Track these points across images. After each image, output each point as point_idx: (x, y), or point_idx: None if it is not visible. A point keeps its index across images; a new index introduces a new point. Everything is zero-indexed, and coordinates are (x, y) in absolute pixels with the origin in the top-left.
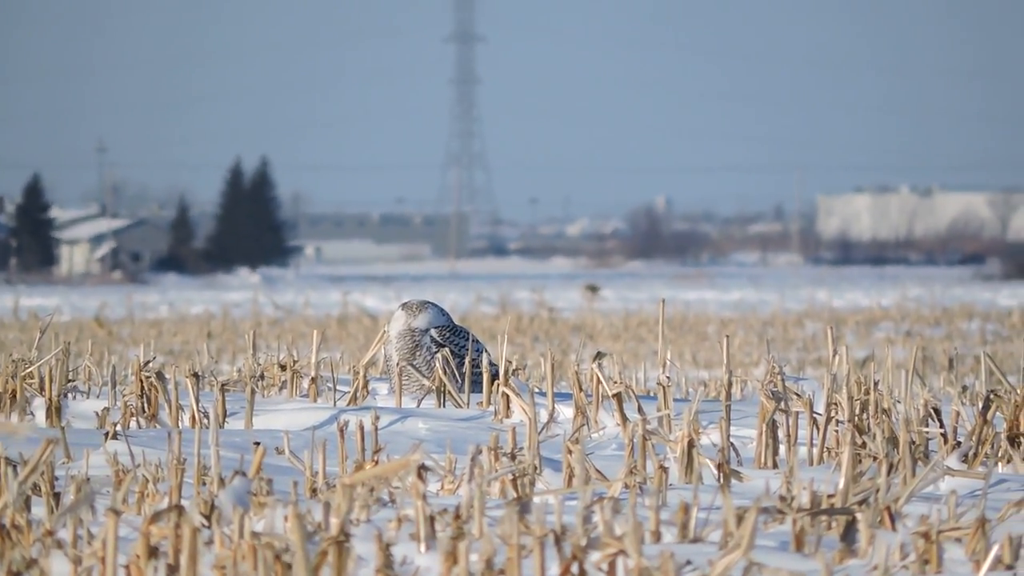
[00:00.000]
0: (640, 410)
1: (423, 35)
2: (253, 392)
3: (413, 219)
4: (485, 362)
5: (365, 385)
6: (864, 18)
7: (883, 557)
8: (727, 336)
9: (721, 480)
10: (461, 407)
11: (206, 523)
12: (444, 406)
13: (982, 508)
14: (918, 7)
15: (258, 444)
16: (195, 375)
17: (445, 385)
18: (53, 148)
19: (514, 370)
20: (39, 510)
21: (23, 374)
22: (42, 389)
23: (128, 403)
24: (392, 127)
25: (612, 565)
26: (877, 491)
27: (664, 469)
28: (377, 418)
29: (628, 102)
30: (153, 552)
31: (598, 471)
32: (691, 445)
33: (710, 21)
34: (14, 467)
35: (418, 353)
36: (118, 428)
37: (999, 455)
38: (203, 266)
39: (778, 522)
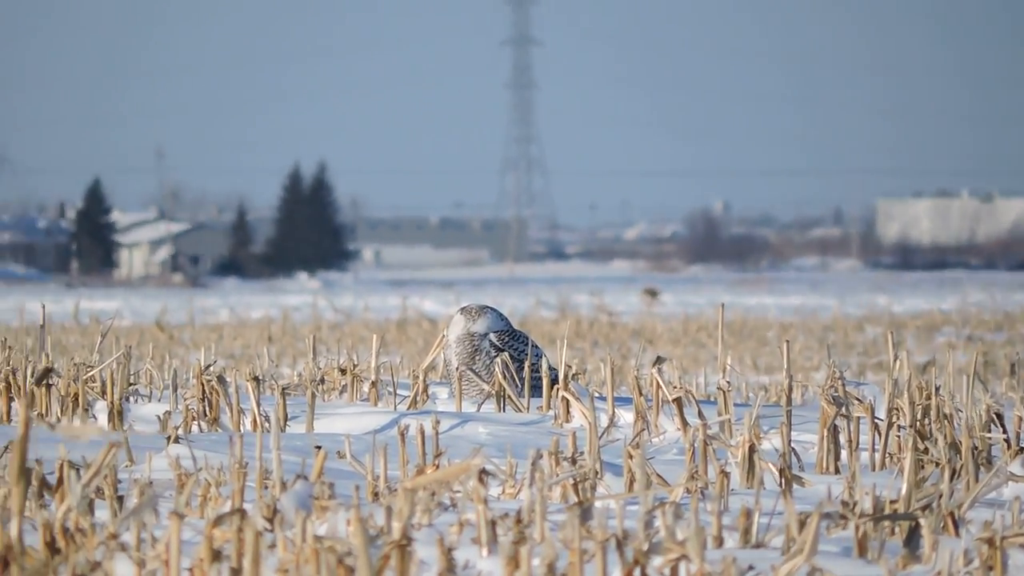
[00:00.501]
0: (701, 415)
1: (480, 39)
2: (314, 396)
3: (472, 223)
4: (544, 366)
5: (425, 389)
6: (928, 22)
7: (947, 563)
8: (787, 341)
9: (783, 485)
10: (521, 411)
11: (269, 527)
12: (504, 410)
13: None
14: (982, 11)
15: (319, 448)
16: (256, 379)
17: (505, 389)
18: (113, 153)
19: (574, 374)
20: (103, 513)
21: (85, 378)
22: (104, 393)
23: (189, 407)
24: (450, 131)
25: (674, 570)
26: (940, 497)
27: (725, 474)
28: (437, 422)
29: (686, 106)
30: (216, 555)
31: (659, 476)
32: (752, 450)
33: (770, 25)
34: (77, 471)
35: (478, 357)
36: (180, 432)
37: None
38: (262, 270)
39: (841, 527)
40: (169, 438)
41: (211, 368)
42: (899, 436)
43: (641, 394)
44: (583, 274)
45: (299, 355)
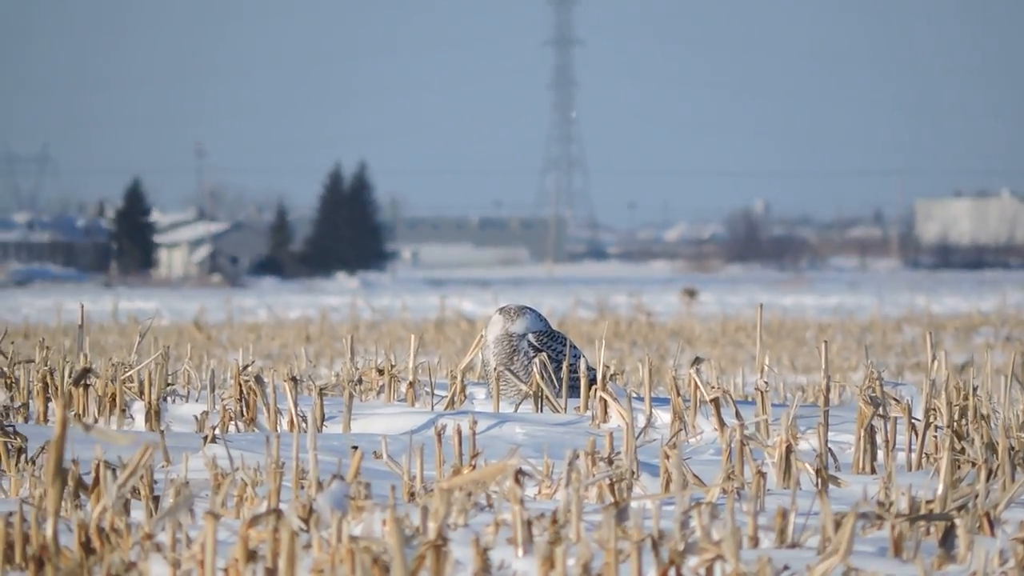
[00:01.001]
0: (738, 415)
1: (522, 39)
2: (351, 396)
3: (511, 223)
4: (582, 367)
5: (463, 389)
6: (966, 22)
7: (982, 563)
8: (825, 341)
9: (819, 485)
10: (558, 412)
11: (304, 527)
12: (541, 411)
13: None
14: (1021, 8)
15: (356, 448)
16: (293, 379)
17: (542, 390)
18: (153, 153)
19: (612, 375)
20: (138, 513)
21: (123, 378)
22: (142, 393)
23: (227, 407)
24: (490, 130)
25: (710, 570)
26: (976, 497)
27: (762, 474)
28: (475, 423)
29: (726, 106)
30: (252, 556)
31: (695, 476)
32: (789, 450)
33: (810, 25)
34: (113, 471)
35: (516, 358)
36: (217, 432)
37: None
38: (301, 270)
39: (876, 528)
40: (206, 438)
41: (249, 368)
42: (936, 436)
43: (679, 394)
44: (622, 274)
45: (337, 355)
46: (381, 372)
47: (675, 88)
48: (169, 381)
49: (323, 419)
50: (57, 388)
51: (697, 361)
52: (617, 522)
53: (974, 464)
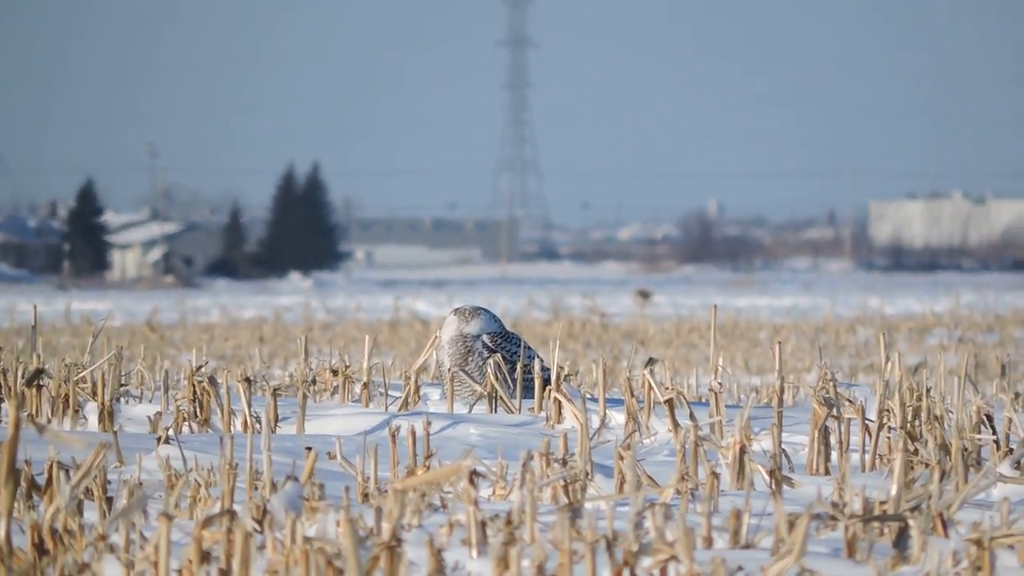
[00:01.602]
0: (692, 416)
1: (475, 40)
2: (305, 397)
3: (465, 224)
4: (537, 368)
5: (417, 390)
6: (917, 23)
7: (935, 564)
8: (779, 342)
9: (773, 486)
10: (513, 413)
11: (258, 528)
12: (496, 412)
13: None
14: (971, 12)
15: (310, 449)
16: (247, 380)
17: (497, 391)
18: (106, 153)
19: (566, 376)
20: (92, 514)
21: (76, 378)
22: (95, 394)
23: (180, 408)
24: (444, 132)
25: (664, 571)
26: (929, 498)
27: (716, 475)
28: (429, 423)
29: (680, 107)
30: (205, 557)
31: (649, 477)
32: (743, 451)
33: (762, 26)
34: (67, 471)
35: (470, 359)
36: (170, 433)
37: None
38: (255, 271)
39: (830, 528)
40: (159, 439)
41: (202, 369)
42: (889, 437)
43: (633, 395)
44: (576, 275)
45: (291, 356)
46: (335, 373)
47: (629, 89)
48: (122, 382)
49: (277, 420)
50: (10, 389)
51: (651, 362)
52: (571, 523)
53: (927, 465)
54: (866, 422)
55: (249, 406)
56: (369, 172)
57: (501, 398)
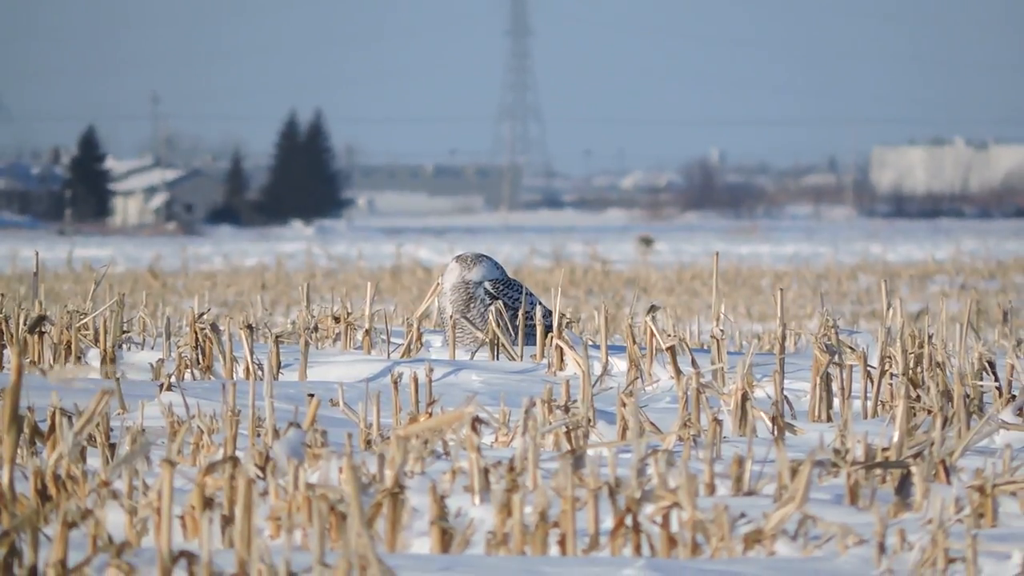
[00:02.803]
0: (694, 363)
1: None
2: (307, 344)
3: (466, 171)
4: (539, 315)
5: (419, 337)
6: None
7: (938, 511)
8: (781, 289)
9: (775, 433)
10: (515, 360)
11: (261, 474)
12: (498, 359)
13: None
14: None
15: (312, 396)
16: (249, 327)
17: (499, 338)
18: (108, 100)
19: (568, 323)
20: (94, 461)
21: (78, 325)
22: (97, 340)
23: (183, 355)
24: (446, 79)
25: (666, 517)
26: (932, 445)
27: (718, 422)
28: (431, 370)
29: (682, 54)
30: (208, 503)
31: (652, 424)
32: (745, 398)
33: None
34: (69, 418)
35: (472, 306)
36: (172, 379)
37: None
38: (257, 218)
39: (832, 475)
40: (162, 386)
41: (204, 316)
42: (891, 384)
43: (635, 342)
44: (578, 223)
45: (293, 303)
46: (337, 320)
47: (631, 36)
48: (124, 329)
49: (279, 367)
50: (12, 336)
51: (653, 309)
52: (574, 470)
53: (929, 412)
54: (868, 369)
55: (251, 353)
56: (371, 119)
57: (503, 345)
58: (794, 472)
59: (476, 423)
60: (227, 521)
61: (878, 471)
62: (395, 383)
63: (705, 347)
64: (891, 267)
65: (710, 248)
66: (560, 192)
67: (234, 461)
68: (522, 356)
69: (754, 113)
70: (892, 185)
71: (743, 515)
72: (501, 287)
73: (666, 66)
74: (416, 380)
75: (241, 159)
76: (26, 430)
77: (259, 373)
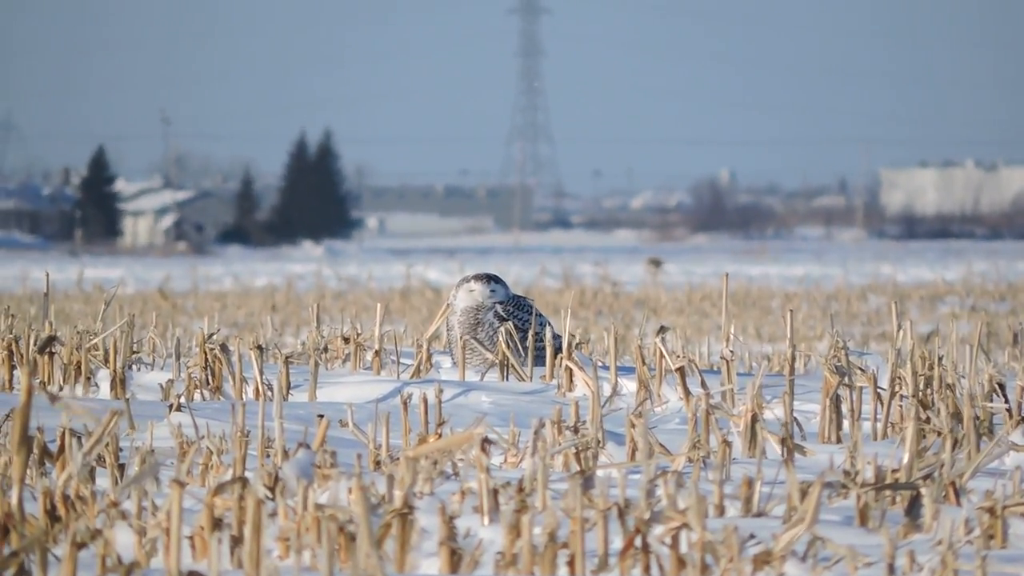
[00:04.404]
0: (703, 384)
1: (488, 7)
2: (317, 365)
3: (477, 191)
4: (548, 336)
5: (428, 358)
6: None
7: (948, 532)
8: (791, 310)
9: (785, 455)
10: (524, 381)
11: (270, 495)
12: (507, 379)
13: None
14: None
15: (322, 417)
16: (259, 347)
17: (508, 359)
18: (119, 121)
19: (577, 344)
20: (104, 481)
21: (88, 346)
22: (107, 361)
23: (192, 375)
24: (456, 99)
25: (675, 539)
26: (942, 466)
27: (727, 443)
28: (441, 391)
29: (692, 74)
30: (217, 523)
31: (661, 445)
32: (754, 419)
33: None
34: (79, 438)
35: (481, 327)
36: (182, 400)
37: None
38: (267, 238)
39: (842, 497)
40: (171, 406)
41: (214, 336)
42: (901, 406)
43: (644, 363)
44: (588, 243)
45: (303, 324)
46: (347, 340)
47: (641, 56)
48: (134, 349)
49: (289, 387)
50: (22, 356)
51: (663, 330)
52: (583, 491)
53: (939, 433)
54: (878, 390)
55: (261, 373)
56: (381, 139)
57: (513, 366)
58: (804, 493)
59: (485, 444)
60: (236, 542)
61: (888, 493)
62: (404, 404)
63: (715, 368)
64: (901, 288)
65: (720, 269)
66: (570, 213)
67: (243, 482)
68: (532, 377)
69: (764, 134)
70: (902, 207)
71: (752, 536)
72: (511, 308)
73: (675, 87)
74: (426, 401)
75: (251, 180)
76: (36, 451)
77: (269, 394)
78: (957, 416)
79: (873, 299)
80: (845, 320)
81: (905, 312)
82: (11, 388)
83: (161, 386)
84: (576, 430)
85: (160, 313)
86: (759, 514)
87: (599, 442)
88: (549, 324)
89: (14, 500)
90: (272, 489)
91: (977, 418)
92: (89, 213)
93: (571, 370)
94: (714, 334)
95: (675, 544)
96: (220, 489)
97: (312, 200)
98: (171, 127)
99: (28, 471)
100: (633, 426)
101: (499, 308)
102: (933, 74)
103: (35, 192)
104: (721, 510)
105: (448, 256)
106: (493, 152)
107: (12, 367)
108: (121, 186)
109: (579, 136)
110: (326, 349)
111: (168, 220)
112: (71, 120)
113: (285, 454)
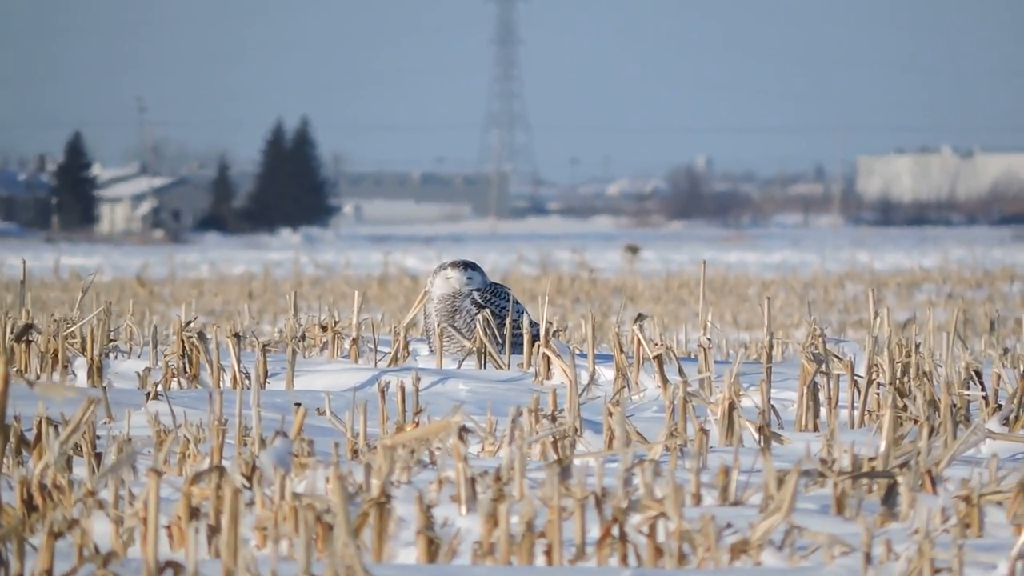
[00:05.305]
0: (681, 372)
1: None
2: (294, 353)
3: (454, 179)
4: (526, 323)
5: (406, 346)
6: None
7: (924, 520)
8: (768, 298)
9: (762, 443)
10: (502, 368)
11: (247, 484)
12: (485, 367)
13: None
14: None
15: (299, 405)
16: (236, 335)
17: (486, 346)
18: (94, 107)
19: (555, 331)
20: (80, 470)
21: (65, 334)
22: (84, 349)
23: (169, 363)
24: (433, 86)
25: (652, 527)
26: (918, 454)
27: (705, 431)
28: (418, 379)
29: (669, 62)
30: (194, 513)
31: (639, 433)
32: (732, 407)
33: None
34: (56, 427)
35: (458, 315)
36: (159, 388)
37: None
38: (244, 225)
39: (819, 485)
40: (148, 395)
41: (191, 324)
42: (878, 394)
43: (622, 351)
44: (565, 230)
45: (280, 312)
46: (324, 328)
47: (617, 44)
48: (111, 337)
49: (266, 376)
50: None
51: (640, 318)
52: (560, 479)
53: (916, 421)
54: (855, 378)
55: (238, 362)
56: (358, 126)
57: (490, 354)
58: (780, 482)
59: (463, 432)
60: (213, 531)
61: (864, 481)
62: (382, 392)
63: (692, 356)
64: (878, 276)
65: (697, 256)
66: (547, 200)
67: (220, 471)
68: (509, 365)
69: (741, 121)
70: (879, 193)
71: (729, 525)
72: (488, 295)
73: (652, 73)
74: (403, 389)
75: (228, 167)
76: (12, 439)
77: (246, 382)
78: (934, 404)
79: (850, 286)
80: (822, 307)
81: (882, 299)
82: None
83: (138, 374)
84: (554, 418)
85: (137, 301)
86: (736, 503)
87: (576, 430)
88: (526, 312)
89: None
90: (249, 478)
91: (954, 406)
92: (65, 200)
93: (548, 358)
94: (691, 321)
95: (652, 533)
96: (197, 478)
97: (289, 187)
98: (147, 114)
99: (5, 460)
100: (611, 414)
101: (476, 295)
102: (909, 61)
103: (11, 179)
104: (698, 499)
105: (425, 243)
106: (470, 139)
107: None
108: (97, 172)
109: (556, 123)
110: (303, 337)
111: (145, 207)
112: (47, 107)
113: (263, 443)
